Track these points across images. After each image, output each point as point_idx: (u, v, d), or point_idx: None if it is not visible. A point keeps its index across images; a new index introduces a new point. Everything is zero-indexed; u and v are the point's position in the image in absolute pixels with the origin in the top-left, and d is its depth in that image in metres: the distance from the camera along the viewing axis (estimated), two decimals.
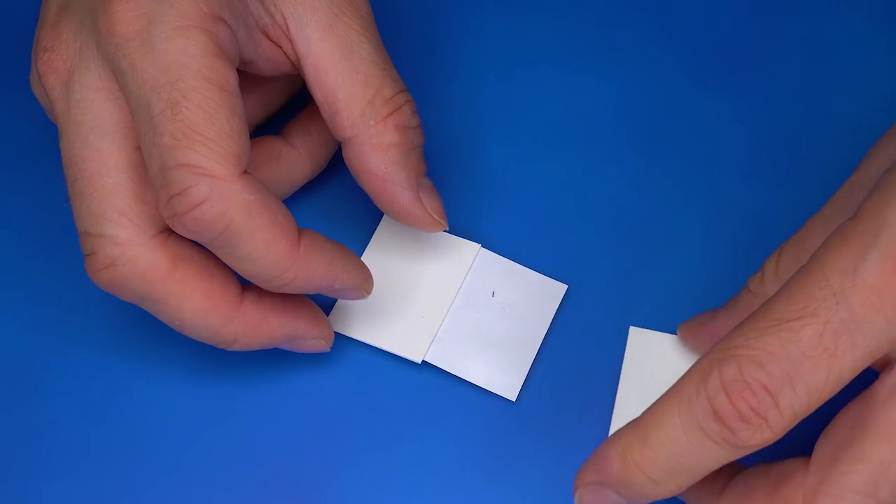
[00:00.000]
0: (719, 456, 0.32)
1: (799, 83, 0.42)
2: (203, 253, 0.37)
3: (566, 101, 0.47)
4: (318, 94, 0.39)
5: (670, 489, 0.33)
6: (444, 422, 0.41)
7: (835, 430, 0.33)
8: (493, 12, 0.49)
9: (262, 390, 0.42)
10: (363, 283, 0.39)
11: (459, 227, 0.44)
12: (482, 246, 0.44)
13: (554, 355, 0.42)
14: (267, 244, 0.35)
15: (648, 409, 0.33)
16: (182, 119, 0.34)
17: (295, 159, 0.43)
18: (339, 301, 0.42)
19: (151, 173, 0.35)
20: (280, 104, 0.45)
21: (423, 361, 0.42)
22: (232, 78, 0.35)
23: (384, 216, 0.44)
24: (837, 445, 0.32)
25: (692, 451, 0.32)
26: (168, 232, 0.37)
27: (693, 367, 0.32)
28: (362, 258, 0.43)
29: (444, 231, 0.42)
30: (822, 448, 0.33)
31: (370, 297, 0.41)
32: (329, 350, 0.41)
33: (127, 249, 0.36)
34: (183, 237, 0.37)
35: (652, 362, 0.42)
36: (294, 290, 0.37)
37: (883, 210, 0.32)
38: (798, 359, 0.31)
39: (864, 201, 0.33)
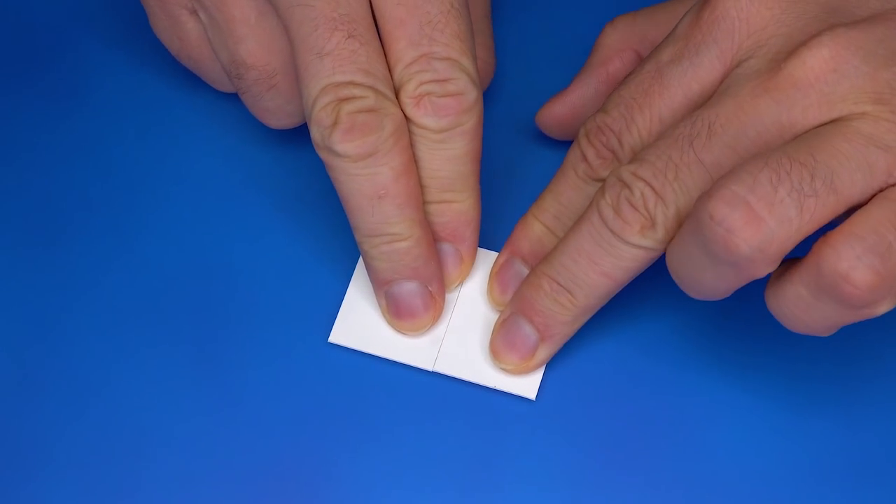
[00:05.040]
0: (590, 191, 0.40)
1: None
2: None
3: None
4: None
5: (560, 235, 0.40)
6: (457, 423, 0.41)
7: None
8: (492, 9, 0.48)
9: (266, 395, 0.42)
10: None
11: None
12: (480, 245, 0.43)
13: (566, 348, 0.41)
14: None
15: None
16: (455, 21, 0.39)
17: None
18: (343, 315, 0.42)
19: (409, 58, 0.38)
20: None
21: (433, 371, 0.41)
22: None
23: None
24: None
25: (579, 201, 0.40)
26: None
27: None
28: (357, 270, 0.43)
29: None
30: None
31: (373, 309, 0.42)
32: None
33: (392, 106, 0.38)
34: None
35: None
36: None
37: None
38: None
39: None
